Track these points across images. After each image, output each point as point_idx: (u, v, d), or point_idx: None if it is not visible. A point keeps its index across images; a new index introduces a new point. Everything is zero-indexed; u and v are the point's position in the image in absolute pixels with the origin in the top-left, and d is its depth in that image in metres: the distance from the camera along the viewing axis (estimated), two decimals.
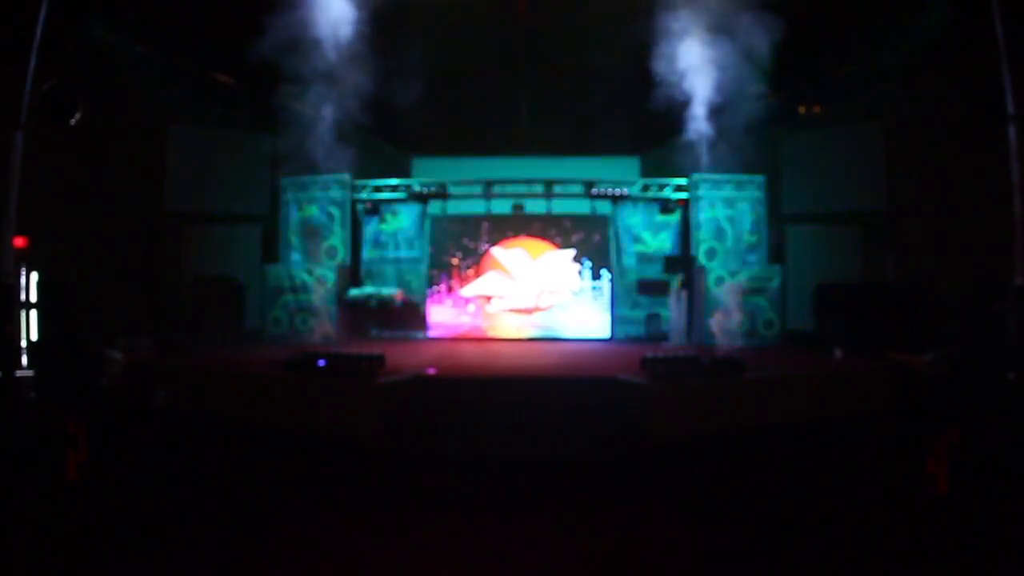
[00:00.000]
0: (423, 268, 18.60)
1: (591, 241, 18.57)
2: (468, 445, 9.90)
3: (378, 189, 18.46)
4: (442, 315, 18.66)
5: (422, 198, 18.26)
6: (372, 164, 19.36)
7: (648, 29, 14.28)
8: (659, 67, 14.73)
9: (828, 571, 6.15)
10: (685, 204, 18.08)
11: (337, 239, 18.15)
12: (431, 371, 12.01)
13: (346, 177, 18.13)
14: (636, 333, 18.00)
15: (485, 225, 18.82)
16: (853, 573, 6.10)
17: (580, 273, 18.55)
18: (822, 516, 7.48)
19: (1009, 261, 9.63)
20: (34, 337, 9.87)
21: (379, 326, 18.42)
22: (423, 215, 18.65)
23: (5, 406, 8.66)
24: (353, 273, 18.40)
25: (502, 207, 18.83)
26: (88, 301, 14.31)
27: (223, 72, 17.61)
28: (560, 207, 18.83)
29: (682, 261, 17.34)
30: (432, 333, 18.46)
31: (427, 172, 19.26)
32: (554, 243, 18.67)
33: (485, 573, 6.22)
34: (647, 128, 19.11)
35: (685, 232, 18.16)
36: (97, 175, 16.98)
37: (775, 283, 16.92)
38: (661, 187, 18.11)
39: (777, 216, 18.42)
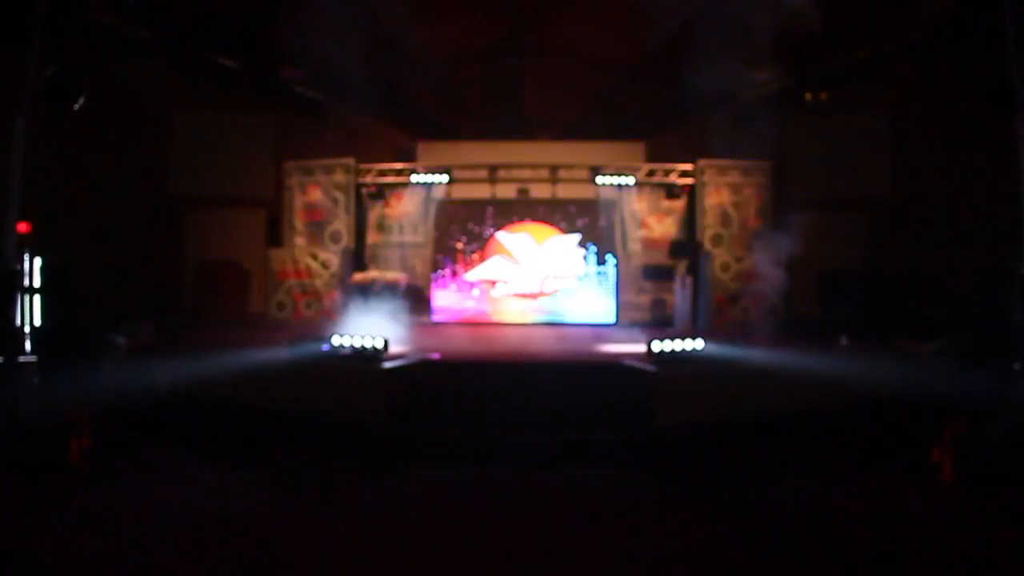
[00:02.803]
0: (427, 252, 18.52)
1: (596, 226, 18.48)
2: (471, 429, 9.90)
3: (383, 173, 18.38)
4: (446, 300, 18.61)
5: (427, 183, 18.15)
6: (377, 148, 19.32)
7: (654, 13, 14.21)
8: (665, 52, 14.69)
9: (832, 560, 6.13)
10: (691, 190, 18.00)
11: (341, 223, 18.10)
12: (435, 356, 12.00)
13: (350, 161, 18.06)
14: (641, 319, 17.95)
15: (490, 210, 18.74)
16: (858, 561, 6.09)
17: (585, 258, 18.48)
18: (827, 504, 7.47)
19: (1015, 249, 9.59)
20: (37, 322, 9.86)
21: (383, 310, 18.36)
22: (428, 199, 18.56)
23: (8, 392, 8.66)
24: (357, 257, 18.35)
25: (507, 192, 18.75)
26: (91, 286, 14.32)
27: (227, 56, 17.54)
28: (565, 192, 18.73)
29: (688, 247, 17.27)
30: (436, 317, 18.41)
31: (432, 156, 19.16)
32: (559, 228, 18.59)
33: (487, 556, 6.21)
34: (653, 113, 19.05)
35: (691, 218, 18.07)
36: (101, 160, 16.97)
37: (781, 269, 16.82)
38: (667, 172, 18.01)
39: (783, 202, 18.34)
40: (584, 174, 18.09)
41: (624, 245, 18.24)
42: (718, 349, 10.97)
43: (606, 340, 14.80)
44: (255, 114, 19.15)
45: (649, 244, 18.22)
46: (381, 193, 18.58)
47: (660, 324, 17.39)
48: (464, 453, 9.47)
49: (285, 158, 18.60)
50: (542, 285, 18.48)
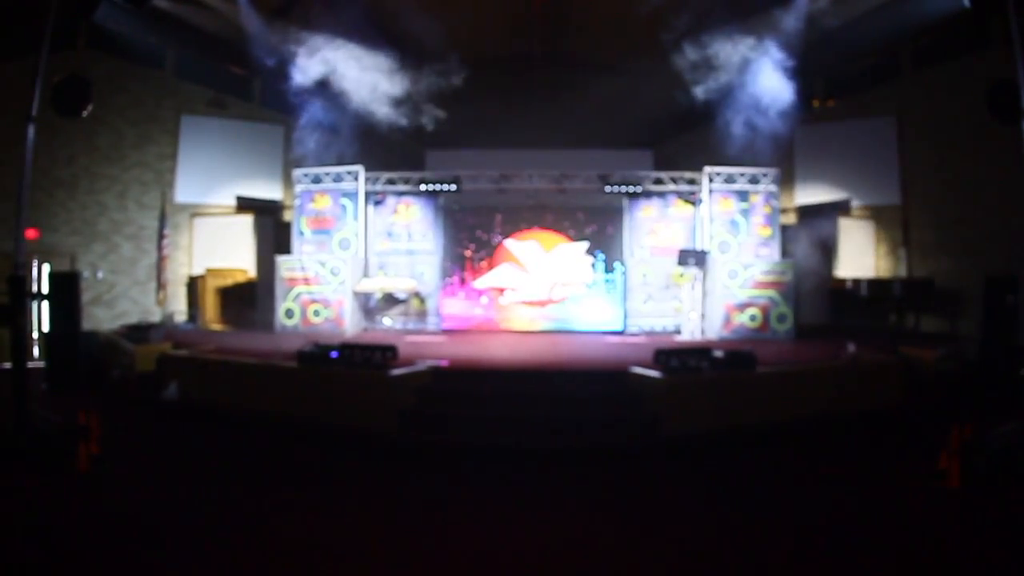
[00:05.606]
0: (436, 260, 18.53)
1: (604, 233, 18.55)
2: (480, 436, 9.89)
3: (391, 181, 18.42)
4: (455, 307, 18.66)
5: (435, 190, 18.17)
6: (385, 156, 19.37)
7: (662, 22, 14.24)
8: (673, 60, 14.71)
9: (839, 566, 6.12)
10: (698, 197, 17.98)
11: (350, 231, 18.13)
12: (443, 363, 11.99)
13: (359, 168, 18.09)
14: (649, 326, 17.92)
15: (498, 217, 18.81)
16: (865, 568, 6.07)
17: (593, 265, 18.52)
18: (834, 511, 7.45)
19: (1022, 256, 9.57)
20: (46, 328, 9.90)
21: (391, 318, 18.39)
22: (436, 207, 18.60)
23: (16, 397, 8.69)
24: (365, 265, 18.38)
25: (515, 199, 18.76)
26: (99, 292, 14.41)
27: (237, 64, 17.62)
28: (573, 200, 18.74)
29: (695, 254, 17.24)
30: (445, 325, 18.43)
31: (441, 164, 19.21)
32: (567, 235, 18.65)
33: (494, 560, 6.21)
34: (661, 121, 19.05)
35: (699, 225, 18.05)
36: (108, 166, 17.08)
37: (788, 277, 16.79)
38: (675, 180, 18.02)
39: (791, 210, 18.34)
40: (592, 182, 18.10)
41: (632, 252, 18.22)
42: (725, 355, 10.94)
43: (614, 347, 14.80)
44: (264, 121, 19.21)
45: (657, 251, 18.17)
46: (390, 200, 18.61)
47: (668, 331, 17.39)
48: (471, 459, 9.46)
49: (294, 165, 18.65)
50: (550, 292, 18.51)
